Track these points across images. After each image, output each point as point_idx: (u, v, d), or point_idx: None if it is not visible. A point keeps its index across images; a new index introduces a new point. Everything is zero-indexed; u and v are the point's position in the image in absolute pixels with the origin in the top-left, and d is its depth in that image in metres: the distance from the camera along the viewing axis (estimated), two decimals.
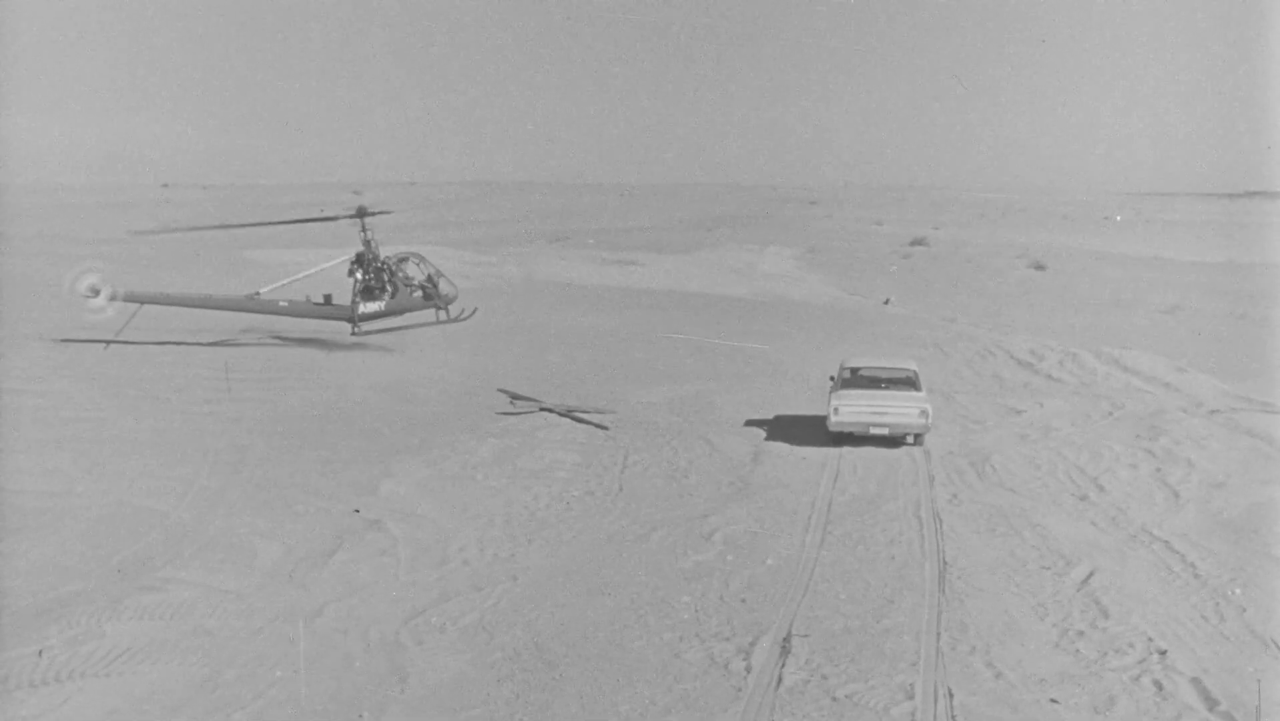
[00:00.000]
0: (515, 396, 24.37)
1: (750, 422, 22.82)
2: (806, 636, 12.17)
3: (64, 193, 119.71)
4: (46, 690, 10.47)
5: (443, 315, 30.64)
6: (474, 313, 31.02)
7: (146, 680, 10.70)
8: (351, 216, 30.35)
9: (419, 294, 30.26)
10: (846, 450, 20.80)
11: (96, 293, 28.22)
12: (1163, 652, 11.91)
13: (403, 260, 30.53)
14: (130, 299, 28.48)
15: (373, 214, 30.44)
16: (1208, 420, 23.04)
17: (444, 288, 30.34)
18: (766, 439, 21.49)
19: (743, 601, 13.18)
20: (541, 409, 23.11)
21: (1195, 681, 11.28)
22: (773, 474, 18.97)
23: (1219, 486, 18.40)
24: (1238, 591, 13.77)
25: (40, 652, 11.03)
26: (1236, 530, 16.24)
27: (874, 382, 22.06)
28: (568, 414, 22.66)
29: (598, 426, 21.71)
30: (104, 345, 27.67)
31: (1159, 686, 11.19)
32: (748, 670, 11.34)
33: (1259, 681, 11.28)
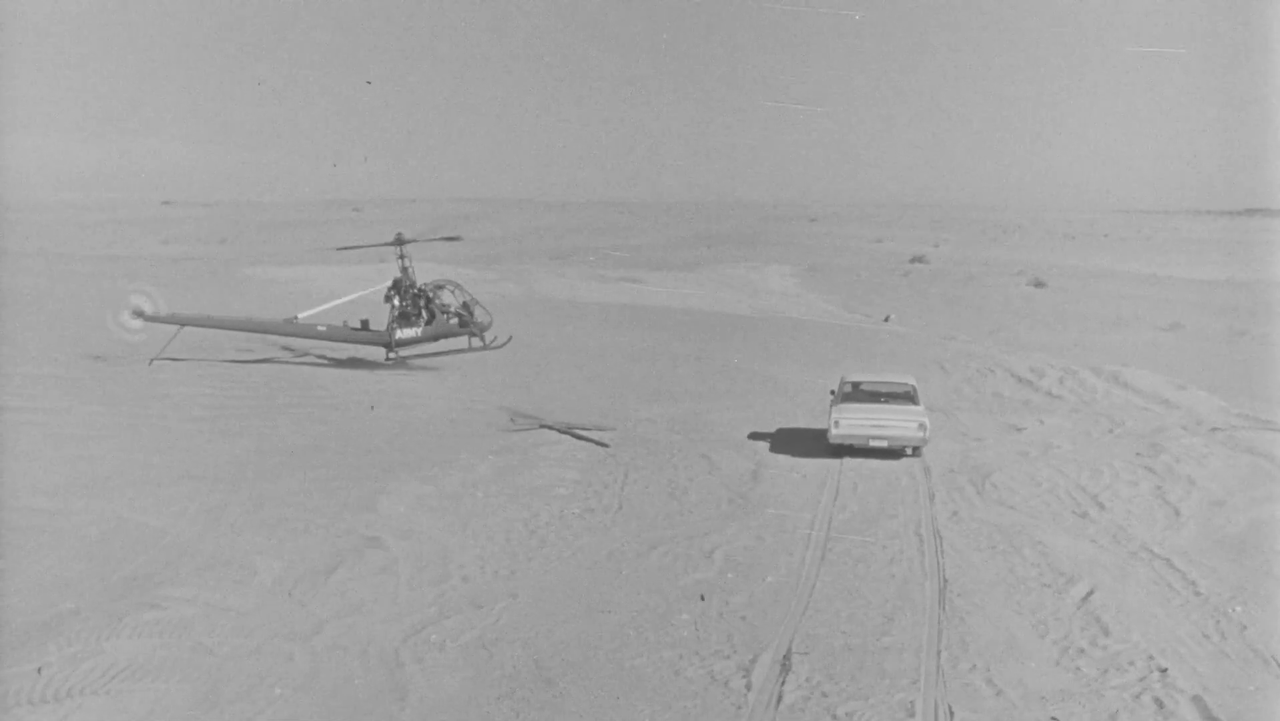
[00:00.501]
0: (515, 413, 24.38)
1: (750, 440, 22.82)
2: (807, 654, 12.15)
3: (65, 210, 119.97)
4: (46, 708, 10.45)
5: (477, 342, 30.79)
6: (508, 341, 30.90)
7: (146, 698, 10.68)
8: (389, 244, 31.20)
9: (454, 321, 30.54)
10: (847, 469, 20.81)
11: (142, 314, 29.22)
12: (1164, 670, 11.89)
13: (439, 287, 31.01)
14: (173, 320, 29.47)
15: (409, 241, 31.14)
16: (1208, 438, 23.02)
17: (479, 315, 30.56)
18: (766, 456, 21.49)
19: (743, 619, 13.16)
20: (541, 426, 23.11)
21: (1196, 699, 11.26)
22: (773, 491, 18.96)
23: (1219, 504, 18.38)
24: (1239, 609, 13.75)
25: (39, 670, 11.01)
26: (1237, 548, 16.23)
27: (873, 396, 22.65)
28: (568, 431, 22.66)
29: (598, 444, 21.71)
30: (148, 363, 28.24)
31: (1160, 704, 11.17)
32: (748, 688, 11.32)
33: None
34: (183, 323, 29.52)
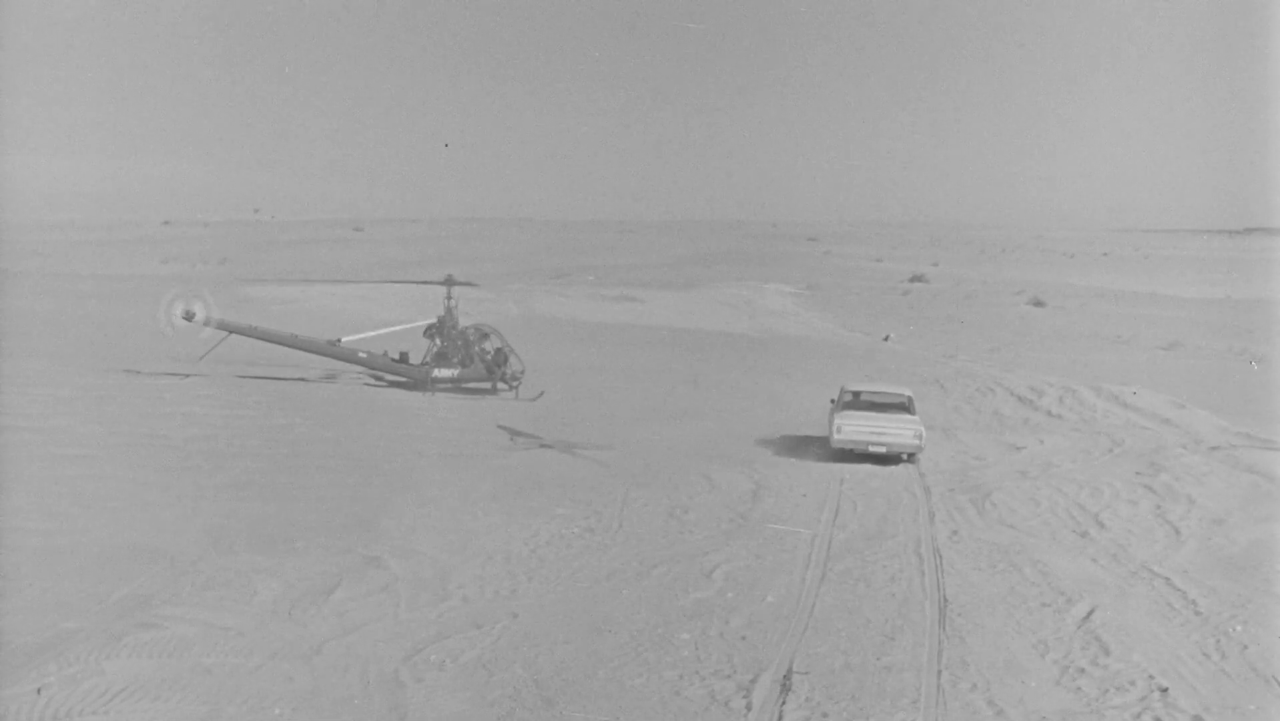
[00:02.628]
0: (515, 433, 24.40)
1: (749, 458, 22.82)
2: (807, 674, 12.13)
3: (66, 230, 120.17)
4: None
5: (505, 390, 30.69)
6: (540, 396, 30.21)
7: (145, 718, 10.66)
8: (439, 284, 31.98)
9: (488, 367, 30.70)
10: (847, 488, 20.82)
11: (192, 316, 29.89)
12: (1164, 690, 11.88)
13: (480, 333, 31.27)
14: (221, 327, 30.07)
15: (458, 284, 31.93)
16: (1208, 456, 23.04)
17: (513, 364, 30.65)
18: (766, 474, 21.49)
19: (743, 638, 13.15)
20: (541, 445, 23.12)
21: (1197, 719, 11.25)
22: (773, 510, 18.96)
23: (1219, 523, 18.39)
24: (1239, 628, 13.74)
25: (39, 690, 11.00)
26: (1237, 567, 16.23)
27: (872, 405, 24.03)
28: (568, 450, 22.67)
29: (598, 463, 21.71)
30: (183, 376, 28.77)
31: None
32: (748, 708, 11.30)
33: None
34: (230, 330, 30.10)
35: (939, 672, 12.26)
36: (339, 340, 31.20)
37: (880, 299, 66.72)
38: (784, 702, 11.41)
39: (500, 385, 30.49)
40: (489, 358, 30.73)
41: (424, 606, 13.84)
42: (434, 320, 31.31)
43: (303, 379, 30.61)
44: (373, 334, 32.36)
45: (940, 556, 16.50)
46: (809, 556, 16.41)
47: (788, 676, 12.05)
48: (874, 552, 16.69)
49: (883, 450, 22.67)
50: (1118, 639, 13.31)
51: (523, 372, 30.68)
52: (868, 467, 22.41)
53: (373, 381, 31.05)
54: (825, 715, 11.16)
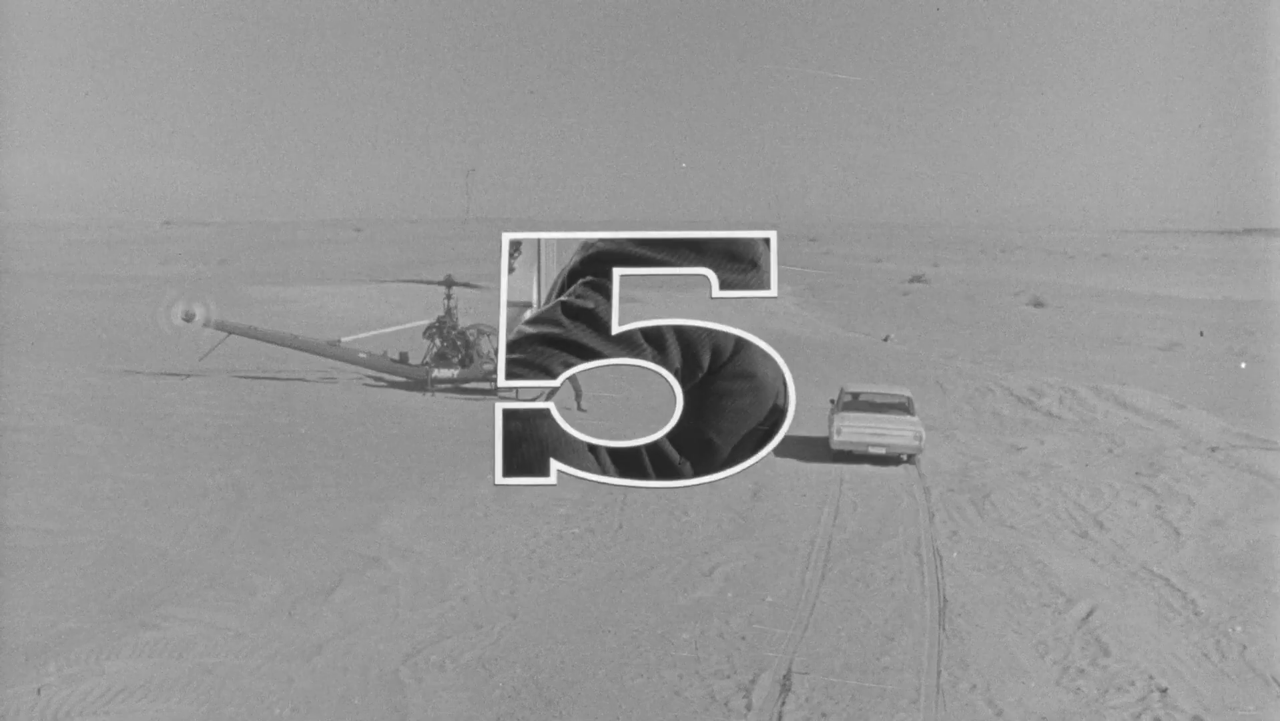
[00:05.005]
0: None
1: None
2: (807, 674, 12.14)
3: (65, 230, 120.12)
4: None
5: (510, 392, 30.72)
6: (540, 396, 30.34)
7: (145, 718, 10.67)
8: (439, 284, 32.24)
9: (489, 366, 30.73)
10: (847, 488, 20.83)
11: (191, 318, 30.08)
12: (1164, 690, 11.89)
13: (481, 333, 31.23)
14: (220, 327, 30.23)
15: (458, 284, 32.02)
16: (1208, 457, 23.05)
17: None
18: (766, 476, 21.49)
19: (743, 638, 13.16)
20: None
21: (1196, 719, 11.26)
22: (773, 511, 18.96)
23: (1219, 524, 18.39)
24: (1238, 629, 13.75)
25: (39, 690, 11.00)
26: (1237, 567, 16.23)
27: (872, 406, 23.96)
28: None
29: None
30: (183, 377, 28.88)
31: None
32: (748, 708, 11.31)
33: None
34: (230, 330, 30.21)
35: (939, 673, 12.27)
36: (339, 340, 31.23)
37: (880, 299, 66.74)
38: (784, 703, 11.42)
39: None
40: (488, 356, 30.69)
41: (424, 606, 13.84)
42: (434, 320, 31.31)
43: (302, 379, 30.63)
44: (372, 334, 32.45)
45: (940, 556, 16.51)
46: (809, 556, 16.42)
47: (788, 676, 12.06)
48: (874, 553, 16.69)
49: (882, 451, 22.69)
50: (1117, 639, 13.32)
51: None
52: (868, 468, 22.42)
53: (372, 381, 31.07)
54: (825, 715, 11.16)
